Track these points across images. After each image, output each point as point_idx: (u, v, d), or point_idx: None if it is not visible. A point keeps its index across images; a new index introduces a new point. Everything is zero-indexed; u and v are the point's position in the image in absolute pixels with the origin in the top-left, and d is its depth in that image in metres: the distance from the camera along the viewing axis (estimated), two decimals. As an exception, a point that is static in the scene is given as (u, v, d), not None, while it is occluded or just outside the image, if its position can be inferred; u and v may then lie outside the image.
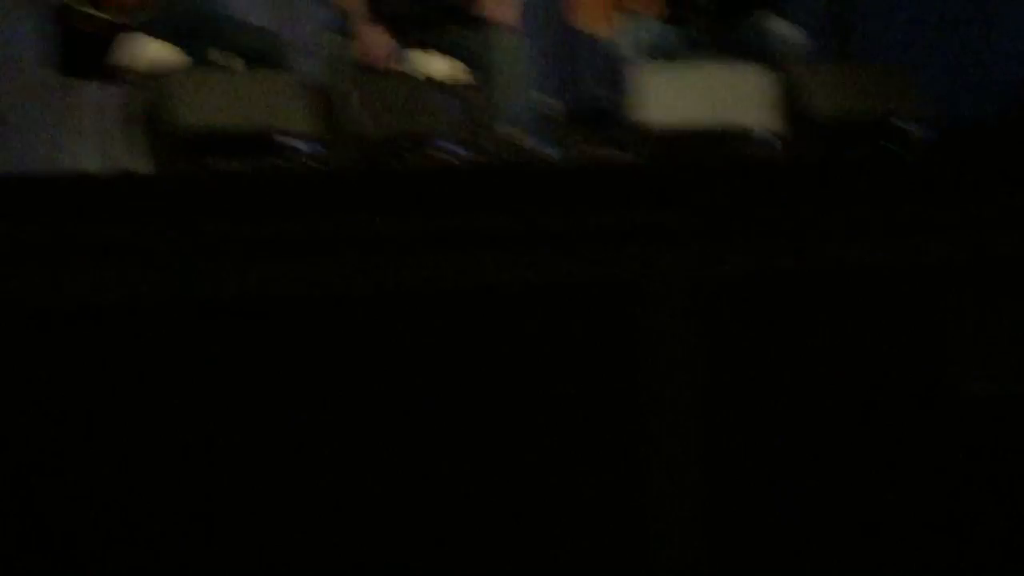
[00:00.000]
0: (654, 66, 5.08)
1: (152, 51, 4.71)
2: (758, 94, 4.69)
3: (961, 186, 3.46)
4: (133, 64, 4.71)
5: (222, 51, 4.76)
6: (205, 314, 2.94)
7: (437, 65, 5.29)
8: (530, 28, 6.10)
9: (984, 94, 6.81)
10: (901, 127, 4.69)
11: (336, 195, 3.34)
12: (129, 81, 4.70)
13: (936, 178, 3.51)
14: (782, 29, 5.22)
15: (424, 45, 5.27)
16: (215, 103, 4.11)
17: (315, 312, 3.03)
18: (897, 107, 4.76)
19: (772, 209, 3.27)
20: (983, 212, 3.41)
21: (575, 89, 6.90)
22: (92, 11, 4.64)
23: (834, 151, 4.50)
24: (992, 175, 3.51)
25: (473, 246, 3.19)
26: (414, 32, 5.29)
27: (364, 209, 3.27)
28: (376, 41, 5.21)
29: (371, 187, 3.42)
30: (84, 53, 4.73)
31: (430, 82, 4.88)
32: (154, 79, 4.19)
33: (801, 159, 4.32)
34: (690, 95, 4.66)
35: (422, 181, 3.52)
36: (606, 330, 3.17)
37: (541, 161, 4.46)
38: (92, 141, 5.70)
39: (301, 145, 4.20)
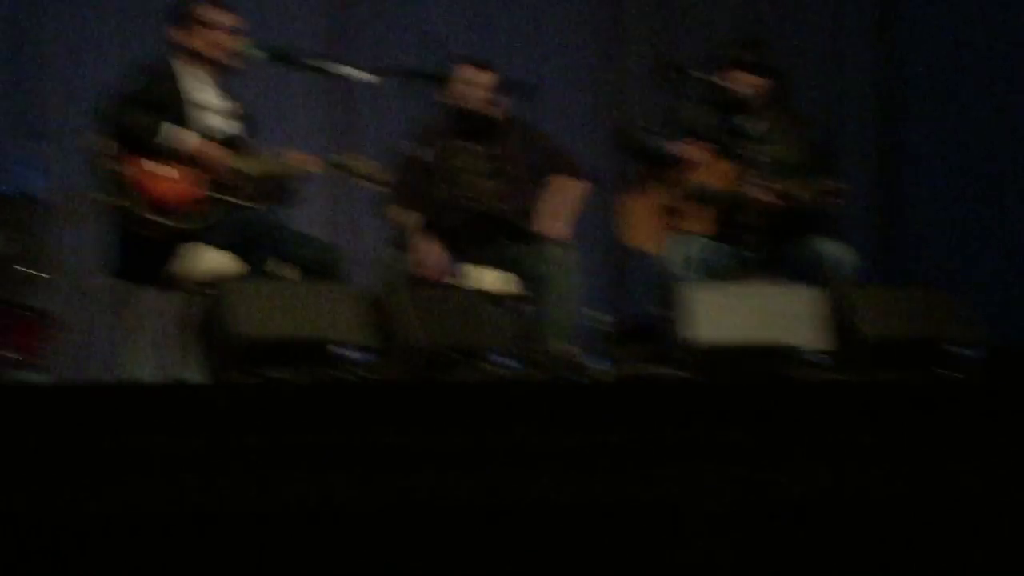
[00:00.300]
0: (704, 284, 5.12)
1: (210, 260, 4.79)
2: (807, 313, 4.71)
3: (1010, 410, 3.44)
4: (191, 272, 4.78)
5: (280, 261, 4.83)
6: (254, 525, 2.94)
7: (490, 279, 5.36)
8: (582, 243, 6.19)
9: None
10: (949, 349, 4.68)
11: (388, 407, 3.37)
12: (186, 289, 4.77)
13: (983, 402, 3.49)
14: (832, 249, 5.26)
15: (478, 259, 5.34)
16: (270, 313, 4.16)
17: (368, 523, 3.02)
18: (945, 329, 4.76)
19: (817, 429, 3.27)
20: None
21: (626, 304, 6.96)
22: (151, 218, 4.72)
23: (881, 372, 4.50)
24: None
25: (522, 461, 3.19)
26: (468, 246, 5.37)
27: (416, 422, 3.29)
28: (431, 254, 5.28)
29: (422, 400, 3.44)
30: (143, 259, 4.80)
31: (483, 296, 4.93)
32: (211, 287, 4.25)
33: (848, 380, 4.31)
34: (739, 313, 4.69)
35: (471, 395, 3.54)
36: (649, 546, 3.14)
37: (590, 376, 4.47)
38: (150, 348, 5.76)
39: (355, 355, 4.23)
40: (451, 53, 5.21)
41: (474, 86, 5.48)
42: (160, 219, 4.71)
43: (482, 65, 5.58)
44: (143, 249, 4.78)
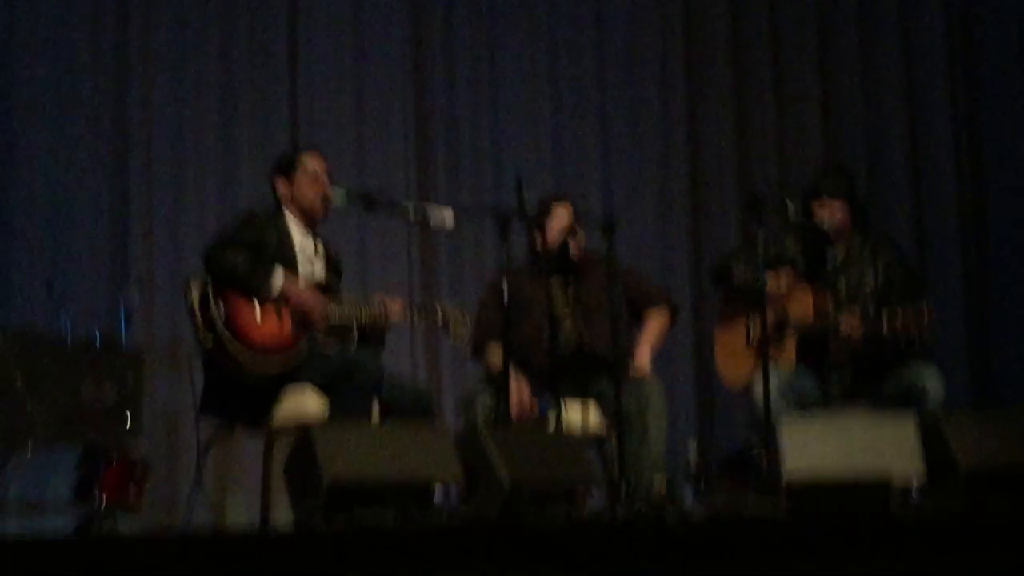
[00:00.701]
0: (795, 416, 5.07)
1: (301, 402, 4.84)
2: (900, 443, 4.64)
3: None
4: (282, 415, 4.83)
5: (374, 404, 4.86)
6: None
7: (578, 415, 5.35)
8: (671, 376, 6.16)
9: None
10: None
11: (476, 548, 3.35)
12: (279, 431, 4.81)
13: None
14: (922, 376, 5.20)
15: (565, 396, 5.33)
16: (358, 455, 4.17)
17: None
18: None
19: (915, 567, 3.19)
20: None
21: (716, 437, 6.90)
22: (249, 360, 4.77)
23: (979, 502, 4.40)
24: None
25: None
26: (555, 383, 5.36)
27: (505, 562, 3.26)
28: (521, 394, 5.28)
29: (511, 540, 3.42)
30: (236, 401, 4.85)
31: (570, 433, 4.91)
32: (302, 430, 4.27)
33: (945, 510, 4.22)
34: (831, 445, 4.63)
35: (561, 535, 3.51)
36: None
37: (681, 512, 4.42)
38: (244, 490, 5.81)
39: (445, 495, 4.22)
40: (528, 190, 5.25)
41: (555, 222, 5.53)
42: (257, 361, 4.77)
43: (562, 201, 5.64)
44: (236, 390, 4.85)
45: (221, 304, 4.80)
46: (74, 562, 3.11)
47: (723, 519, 4.21)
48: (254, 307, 4.84)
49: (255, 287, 4.83)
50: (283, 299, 4.86)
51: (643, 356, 5.52)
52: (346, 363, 4.84)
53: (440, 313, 5.19)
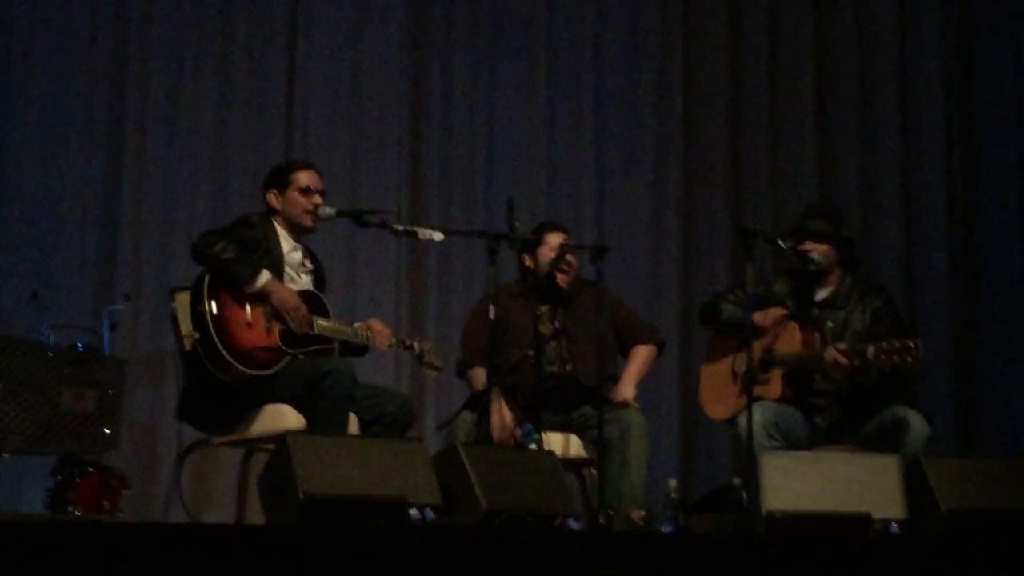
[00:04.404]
0: (778, 451, 5.04)
1: (282, 412, 4.79)
2: (883, 483, 4.61)
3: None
4: (263, 426, 4.78)
5: (348, 409, 4.81)
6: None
7: (562, 442, 5.31)
8: (653, 408, 6.12)
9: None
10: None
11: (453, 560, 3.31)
12: (257, 442, 4.77)
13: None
14: (909, 419, 5.17)
15: (547, 421, 5.30)
16: (334, 469, 4.13)
17: None
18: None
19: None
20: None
21: (696, 471, 6.86)
22: (231, 360, 4.71)
23: (958, 541, 4.37)
24: None
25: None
26: (538, 408, 5.33)
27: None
28: (503, 416, 5.25)
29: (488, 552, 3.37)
30: (214, 408, 4.81)
31: (550, 458, 4.87)
32: (277, 442, 4.23)
33: (923, 547, 4.18)
34: (813, 481, 4.59)
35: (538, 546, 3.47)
36: None
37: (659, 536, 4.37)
38: (220, 503, 5.77)
39: (419, 513, 4.18)
40: (521, 216, 5.23)
41: (547, 248, 5.52)
42: (241, 362, 4.71)
43: (554, 227, 5.63)
44: (213, 396, 4.80)
45: (213, 304, 4.76)
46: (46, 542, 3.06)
47: (701, 539, 4.16)
48: (244, 310, 4.80)
49: (240, 275, 4.78)
50: (267, 293, 4.81)
51: (627, 385, 5.49)
52: (320, 372, 4.78)
53: (419, 350, 5.17)
